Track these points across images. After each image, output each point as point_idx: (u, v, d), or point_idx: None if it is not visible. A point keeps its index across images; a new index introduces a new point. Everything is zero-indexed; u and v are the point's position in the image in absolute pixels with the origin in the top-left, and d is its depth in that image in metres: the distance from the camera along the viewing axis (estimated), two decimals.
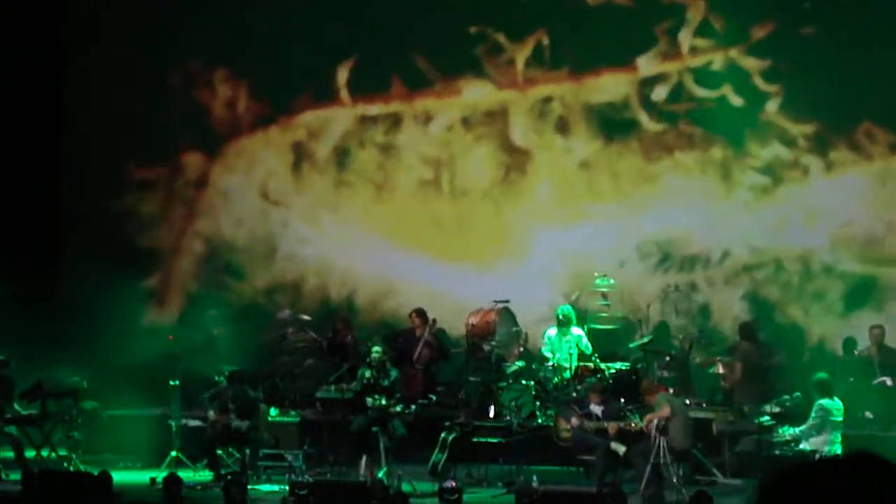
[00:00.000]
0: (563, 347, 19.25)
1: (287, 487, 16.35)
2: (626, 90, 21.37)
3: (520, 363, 19.47)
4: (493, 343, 19.61)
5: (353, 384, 18.57)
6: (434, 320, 20.34)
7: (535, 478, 16.85)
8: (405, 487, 16.43)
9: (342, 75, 22.33)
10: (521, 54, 21.74)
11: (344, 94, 22.39)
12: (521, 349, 19.98)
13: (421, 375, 19.98)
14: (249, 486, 16.59)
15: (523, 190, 21.89)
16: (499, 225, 21.89)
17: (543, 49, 21.63)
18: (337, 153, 22.60)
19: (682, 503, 15.77)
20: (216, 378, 19.19)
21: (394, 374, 18.39)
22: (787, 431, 16.31)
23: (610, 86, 21.44)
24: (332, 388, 19.20)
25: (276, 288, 22.49)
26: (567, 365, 19.03)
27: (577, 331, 19.45)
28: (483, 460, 18.13)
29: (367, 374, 18.32)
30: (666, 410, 16.76)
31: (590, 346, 19.36)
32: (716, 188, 21.12)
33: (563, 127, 21.73)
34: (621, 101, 21.39)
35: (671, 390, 18.06)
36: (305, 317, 21.45)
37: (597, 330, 19.98)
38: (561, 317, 19.40)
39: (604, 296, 20.05)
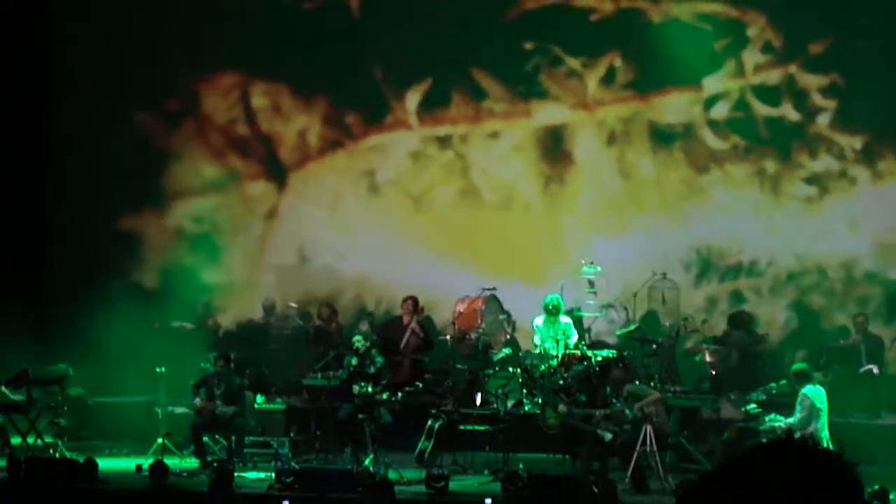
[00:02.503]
0: (551, 335, 19.23)
1: (273, 475, 16.35)
2: (690, 108, 21.59)
3: (506, 350, 19.46)
4: (480, 330, 19.60)
5: (340, 372, 18.56)
6: (422, 308, 20.36)
7: (521, 465, 16.87)
8: (391, 475, 16.43)
9: (412, 99, 22.35)
10: (594, 75, 21.82)
11: (412, 118, 22.41)
12: (508, 337, 19.98)
13: (408, 363, 19.97)
14: (235, 473, 16.59)
15: (571, 200, 22.00)
16: (545, 237, 21.93)
17: (616, 70, 21.73)
18: (399, 174, 22.62)
19: (667, 491, 15.79)
20: (202, 365, 19.16)
21: (379, 361, 18.38)
22: (778, 421, 16.33)
23: (676, 105, 21.62)
24: (319, 375, 19.19)
25: (311, 301, 22.31)
26: (554, 353, 19.02)
27: (565, 319, 19.44)
28: (469, 448, 18.12)
29: (353, 361, 18.32)
30: (657, 395, 16.84)
31: (576, 334, 19.35)
32: (764, 199, 21.36)
33: (623, 143, 21.87)
34: (686, 119, 21.60)
35: (656, 377, 18.12)
36: (292, 304, 21.43)
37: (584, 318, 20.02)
38: (550, 306, 19.37)
39: (591, 283, 20.06)
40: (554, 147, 22.15)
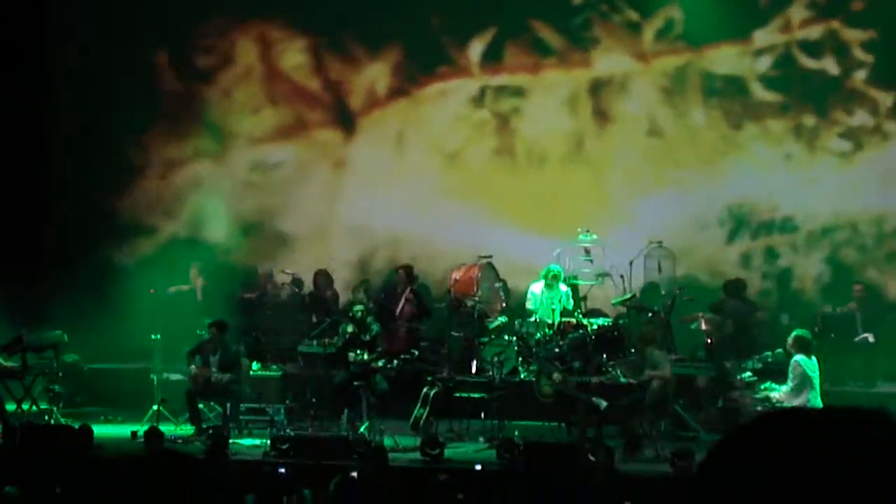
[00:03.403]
0: (547, 303, 19.23)
1: (268, 441, 16.36)
2: (739, 62, 21.67)
3: (502, 318, 19.46)
4: (476, 298, 19.59)
5: (335, 339, 18.55)
6: (416, 276, 20.35)
7: (516, 433, 16.88)
8: (387, 442, 16.43)
9: (474, 48, 22.31)
10: (651, 27, 21.86)
11: (474, 67, 22.36)
12: (504, 304, 19.98)
13: (404, 331, 19.96)
14: (231, 440, 16.59)
15: (621, 153, 22.04)
16: (583, 194, 21.88)
17: (673, 22, 21.76)
18: (452, 125, 22.60)
19: (662, 459, 15.80)
20: (198, 332, 19.14)
21: (375, 328, 18.37)
22: (774, 389, 16.31)
23: (725, 58, 21.72)
24: (314, 342, 19.18)
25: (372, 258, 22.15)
26: (550, 320, 19.01)
27: (562, 287, 19.44)
28: (465, 415, 18.13)
29: (349, 328, 18.30)
30: (668, 372, 16.82)
31: (572, 301, 19.34)
32: (801, 154, 21.50)
33: (672, 97, 21.96)
34: (735, 73, 21.69)
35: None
36: (288, 271, 21.39)
37: (578, 285, 20.03)
38: (549, 276, 19.34)
39: (587, 251, 20.04)
40: (605, 100, 22.13)
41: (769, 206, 21.43)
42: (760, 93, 21.60)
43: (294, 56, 23.01)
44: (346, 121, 22.96)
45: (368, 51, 22.67)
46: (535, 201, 21.78)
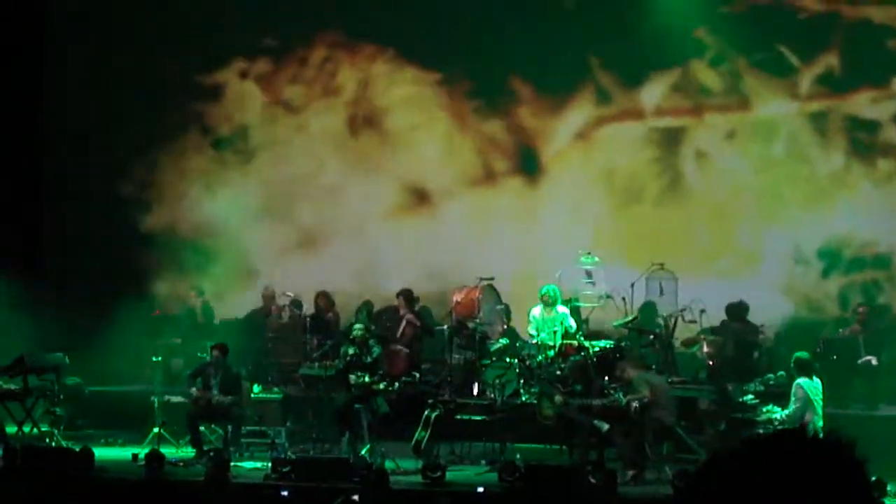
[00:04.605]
0: (548, 326, 19.21)
1: (270, 464, 16.33)
2: (874, 107, 21.89)
3: (504, 341, 19.45)
4: (478, 320, 19.57)
5: (337, 361, 18.54)
6: (417, 298, 20.36)
7: (518, 456, 16.85)
8: (388, 465, 16.40)
9: (650, 91, 22.45)
10: (809, 73, 22.04)
11: (644, 109, 22.52)
12: (505, 327, 19.97)
13: (405, 353, 19.95)
14: (232, 463, 16.57)
15: (765, 194, 22.24)
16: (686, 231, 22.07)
17: (832, 69, 21.93)
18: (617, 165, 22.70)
19: (664, 481, 15.77)
20: (199, 354, 19.13)
21: (376, 351, 18.35)
22: (775, 412, 16.29)
23: (862, 103, 21.92)
24: (316, 364, 19.17)
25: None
26: (551, 343, 18.99)
27: (561, 309, 19.41)
28: (466, 438, 18.11)
29: (351, 350, 18.28)
30: (645, 392, 16.76)
31: (573, 324, 19.30)
32: None
33: (813, 139, 22.16)
34: (867, 117, 21.92)
35: (653, 367, 18.08)
36: (289, 293, 21.39)
37: (581, 308, 19.95)
38: (546, 296, 19.33)
39: (588, 274, 20.02)
40: (755, 142, 22.31)
41: (864, 242, 21.57)
42: (885, 135, 21.84)
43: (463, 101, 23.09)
44: (529, 168, 22.91)
45: (545, 97, 22.68)
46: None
